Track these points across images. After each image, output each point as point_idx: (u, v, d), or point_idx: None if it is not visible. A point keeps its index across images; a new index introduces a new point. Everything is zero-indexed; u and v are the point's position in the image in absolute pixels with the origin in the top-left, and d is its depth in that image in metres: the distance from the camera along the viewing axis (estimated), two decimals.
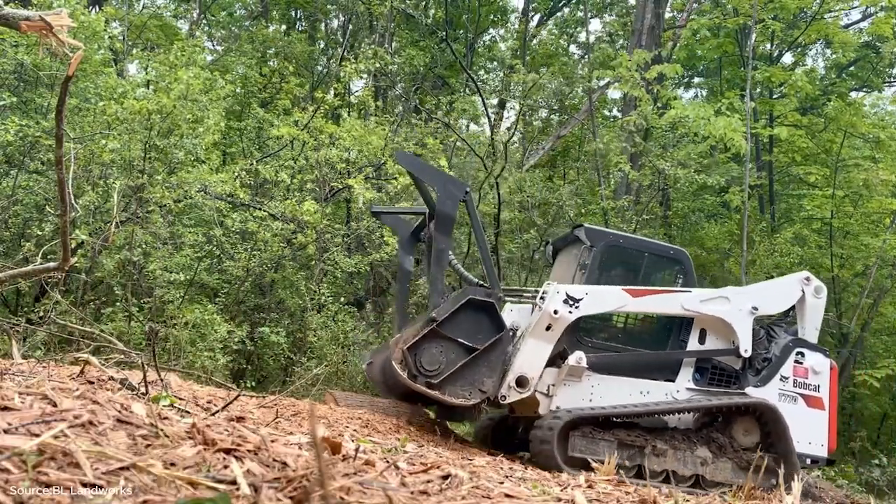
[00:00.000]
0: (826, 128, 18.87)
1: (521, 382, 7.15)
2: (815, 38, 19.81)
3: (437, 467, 2.73)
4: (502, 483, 3.12)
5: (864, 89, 22.42)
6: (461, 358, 7.08)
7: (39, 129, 10.59)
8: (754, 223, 18.11)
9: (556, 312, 7.16)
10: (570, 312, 7.20)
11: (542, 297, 7.34)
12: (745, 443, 7.48)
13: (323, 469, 1.57)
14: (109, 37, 13.76)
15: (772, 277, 17.36)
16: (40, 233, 9.77)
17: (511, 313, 8.08)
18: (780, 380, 7.70)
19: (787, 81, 18.03)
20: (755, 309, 7.71)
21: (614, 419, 7.21)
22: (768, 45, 21.21)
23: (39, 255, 6.90)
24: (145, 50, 17.14)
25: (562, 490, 3.46)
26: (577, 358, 7.20)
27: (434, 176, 7.90)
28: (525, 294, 8.03)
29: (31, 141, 10.71)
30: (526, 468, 5.44)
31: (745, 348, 7.61)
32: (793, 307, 8.16)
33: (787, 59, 22.32)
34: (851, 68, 22.21)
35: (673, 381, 7.61)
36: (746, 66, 17.01)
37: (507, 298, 7.96)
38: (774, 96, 20.05)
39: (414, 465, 2.84)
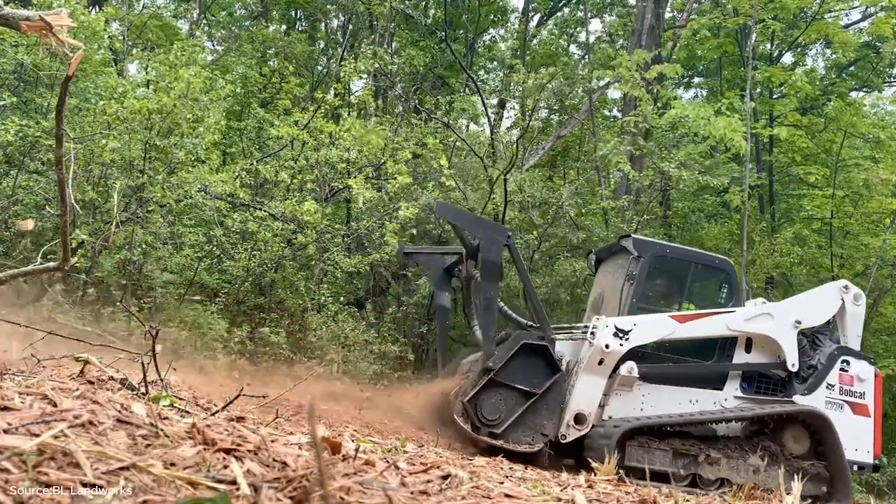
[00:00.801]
0: (826, 128, 18.87)
1: (580, 420, 7.24)
2: (815, 38, 19.81)
3: (437, 467, 2.73)
4: (502, 483, 3.11)
5: (864, 89, 22.41)
6: (520, 404, 7.17)
7: (39, 129, 10.58)
8: (754, 223, 18.10)
9: (607, 347, 7.26)
10: (620, 345, 7.31)
11: (591, 333, 7.40)
12: (796, 450, 7.57)
13: (323, 469, 1.57)
14: (109, 37, 13.75)
15: (772, 277, 17.42)
16: (40, 233, 9.77)
17: (557, 344, 8.12)
18: (827, 388, 7.81)
19: (787, 81, 18.02)
20: (798, 322, 7.84)
21: (667, 428, 7.30)
22: (768, 45, 21.20)
23: (39, 255, 6.89)
24: (145, 50, 17.13)
25: (562, 490, 3.46)
26: (629, 368, 7.31)
27: (476, 224, 8.13)
28: (575, 330, 8.08)
29: (31, 141, 10.70)
30: (526, 468, 5.44)
31: (793, 362, 7.73)
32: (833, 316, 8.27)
33: (787, 59, 22.32)
34: (851, 68, 22.20)
35: (721, 389, 7.73)
36: (746, 66, 17.01)
37: (557, 337, 7.98)
38: (774, 96, 20.04)
39: (414, 465, 2.84)
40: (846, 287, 8.21)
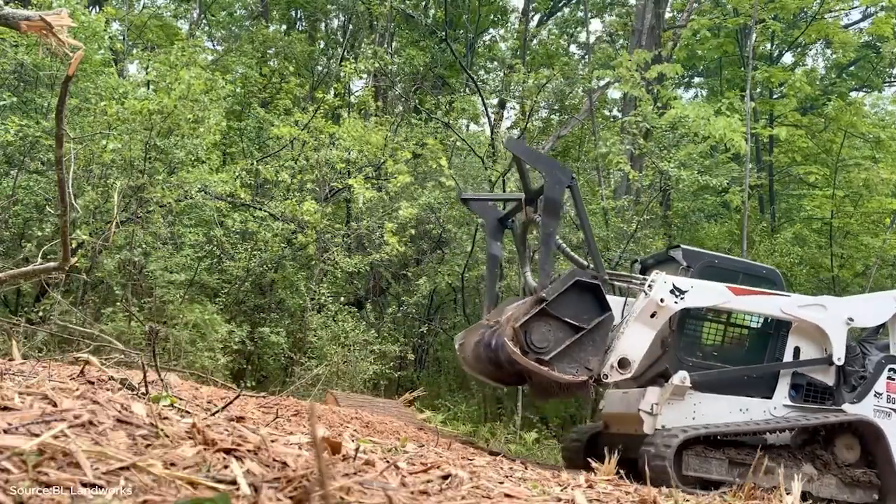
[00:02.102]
0: (826, 128, 18.87)
1: (623, 364, 7.33)
2: (815, 38, 19.81)
3: (437, 467, 2.73)
4: (502, 483, 3.11)
5: (864, 89, 22.42)
6: (568, 336, 7.27)
7: (39, 129, 10.58)
8: (754, 223, 18.11)
9: (662, 301, 7.37)
10: (675, 302, 7.42)
11: (649, 286, 7.52)
12: (848, 459, 7.60)
13: (323, 469, 1.57)
14: (109, 37, 13.75)
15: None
16: (40, 233, 9.77)
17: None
18: (875, 396, 7.84)
19: (787, 81, 18.02)
20: (851, 320, 7.87)
21: (720, 437, 7.34)
22: (768, 45, 21.21)
23: (39, 256, 6.89)
24: (145, 50, 17.14)
25: (562, 490, 3.46)
26: (682, 378, 7.36)
27: (543, 162, 8.21)
28: (633, 280, 8.13)
29: (31, 141, 10.71)
30: (526, 468, 5.44)
31: (839, 356, 7.76)
32: (884, 323, 8.31)
33: (787, 59, 22.33)
34: (851, 68, 22.21)
35: (770, 397, 7.77)
36: (746, 66, 17.01)
37: (614, 283, 8.12)
38: (774, 96, 20.04)
39: (414, 465, 2.84)
40: None
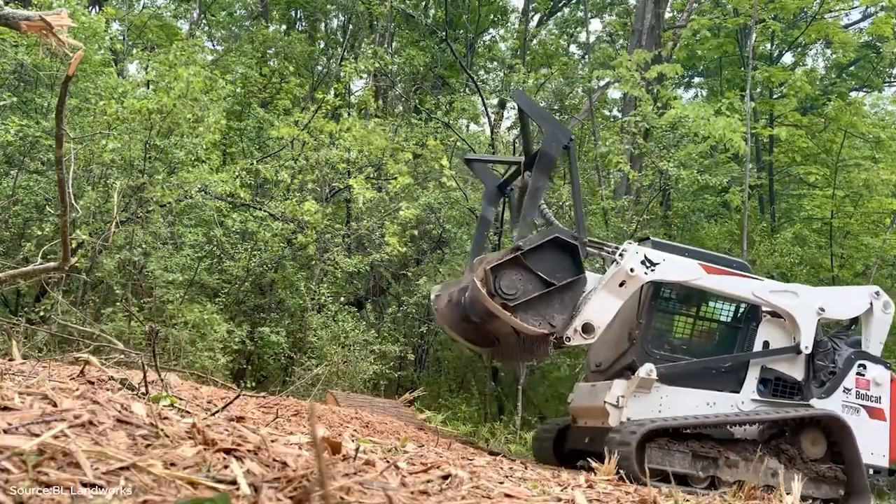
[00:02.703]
0: (826, 128, 18.86)
1: (587, 329, 7.29)
2: (815, 38, 19.80)
3: (437, 467, 2.73)
4: (502, 483, 3.11)
5: (864, 89, 22.41)
6: (538, 290, 7.26)
7: (39, 129, 10.58)
8: (754, 223, 18.11)
9: (632, 270, 7.33)
10: (645, 273, 7.39)
11: (620, 255, 7.48)
12: (814, 454, 7.58)
13: (323, 469, 1.57)
14: (109, 37, 13.75)
15: (772, 278, 17.39)
16: (40, 233, 9.76)
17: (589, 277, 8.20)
18: (844, 391, 7.83)
19: (787, 81, 18.02)
20: (822, 310, 7.84)
21: (685, 430, 7.31)
22: (768, 45, 21.20)
23: (39, 255, 6.90)
24: (145, 50, 17.14)
25: (562, 490, 3.46)
26: (648, 370, 7.33)
27: (544, 118, 8.25)
28: (606, 248, 8.12)
29: (31, 141, 10.71)
30: (526, 468, 5.44)
31: (807, 345, 7.73)
32: (856, 319, 8.26)
33: (787, 59, 22.32)
34: (851, 68, 22.20)
35: (738, 392, 7.72)
36: (746, 66, 17.01)
37: (589, 248, 8.07)
38: (774, 96, 20.04)
39: (414, 465, 2.84)
40: (877, 293, 8.22)
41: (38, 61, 11.20)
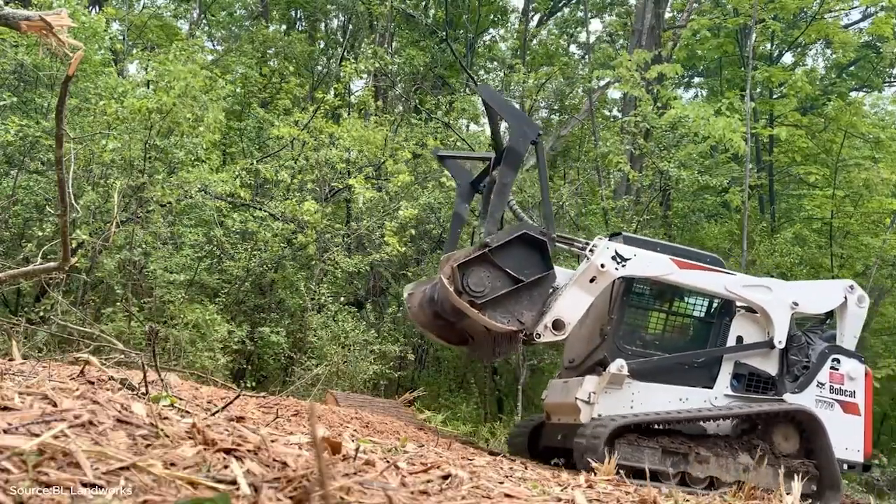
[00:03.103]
0: (826, 128, 18.85)
1: (558, 325, 7.23)
2: (815, 38, 19.80)
3: (437, 467, 2.73)
4: (502, 483, 3.11)
5: (864, 89, 22.40)
6: (506, 287, 7.20)
7: (39, 129, 10.58)
8: (754, 223, 18.10)
9: (602, 266, 7.26)
10: (616, 269, 7.32)
11: (591, 250, 7.43)
12: (786, 449, 7.54)
13: (323, 469, 1.57)
14: (109, 37, 13.75)
15: (772, 277, 17.38)
16: (41, 233, 9.76)
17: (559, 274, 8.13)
18: (817, 386, 7.77)
19: (787, 81, 18.01)
20: (795, 304, 7.78)
21: (656, 426, 7.26)
22: (768, 45, 21.19)
23: (39, 256, 6.90)
24: (145, 50, 17.14)
25: (562, 490, 3.46)
26: (619, 366, 7.28)
27: (511, 113, 8.10)
28: (577, 243, 8.06)
29: (31, 141, 10.71)
30: (526, 468, 5.44)
31: (780, 339, 7.66)
32: (831, 313, 8.20)
33: (787, 59, 22.32)
34: (851, 68, 22.20)
35: (711, 387, 7.67)
36: (746, 66, 17.00)
37: (557, 244, 8.00)
38: (774, 96, 20.03)
39: (414, 465, 2.84)
40: (852, 287, 8.16)
41: (38, 61, 11.20)
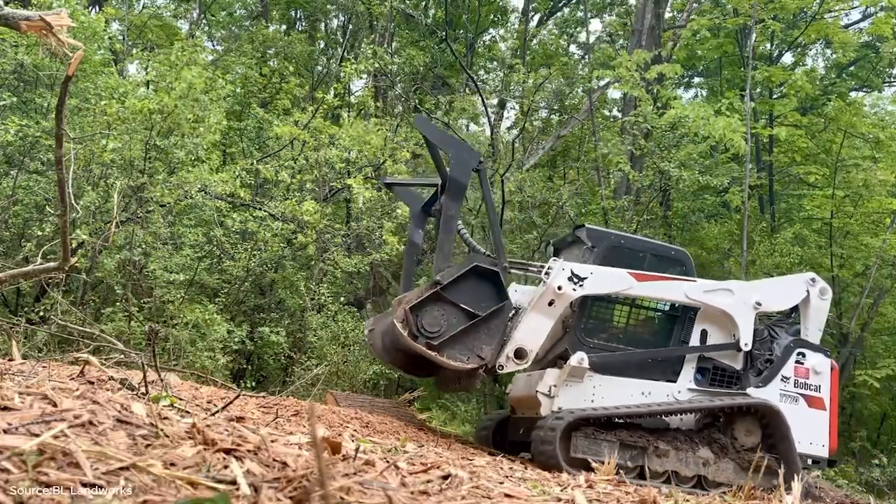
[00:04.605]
0: (826, 128, 18.85)
1: (520, 354, 7.20)
2: (815, 38, 19.80)
3: (437, 467, 2.73)
4: (502, 483, 3.11)
5: (864, 89, 22.40)
6: (462, 322, 7.14)
7: (39, 129, 10.58)
8: (754, 223, 18.10)
9: (560, 288, 7.21)
10: (573, 290, 7.26)
11: (546, 273, 7.36)
12: (747, 443, 7.48)
13: (323, 469, 1.57)
14: (109, 37, 13.75)
15: (772, 277, 17.39)
16: (40, 233, 9.76)
17: (515, 293, 8.07)
18: (782, 380, 7.72)
19: (787, 81, 18.01)
20: (758, 304, 7.73)
21: (616, 420, 7.21)
22: (768, 45, 21.20)
23: (39, 256, 6.89)
24: (145, 50, 17.14)
25: (562, 490, 3.46)
26: (579, 359, 7.21)
27: (449, 143, 8.00)
28: (530, 268, 8.01)
29: (31, 141, 10.70)
30: (526, 468, 5.44)
31: (746, 342, 7.63)
32: (796, 307, 8.16)
33: (787, 59, 22.32)
34: (851, 68, 22.20)
35: (674, 381, 7.62)
36: (746, 66, 17.01)
37: (512, 270, 7.93)
38: (774, 96, 20.03)
39: (414, 465, 2.84)
40: (813, 280, 8.09)
41: (38, 61, 11.19)
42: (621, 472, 6.74)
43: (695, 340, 7.75)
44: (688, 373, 7.67)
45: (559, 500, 2.86)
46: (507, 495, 2.52)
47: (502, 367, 7.19)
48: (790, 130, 17.65)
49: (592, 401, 7.31)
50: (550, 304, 7.25)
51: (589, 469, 6.13)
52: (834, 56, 21.61)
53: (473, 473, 3.12)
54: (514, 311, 7.61)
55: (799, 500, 3.93)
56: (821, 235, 18.16)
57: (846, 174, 17.92)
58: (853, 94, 21.77)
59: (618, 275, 7.43)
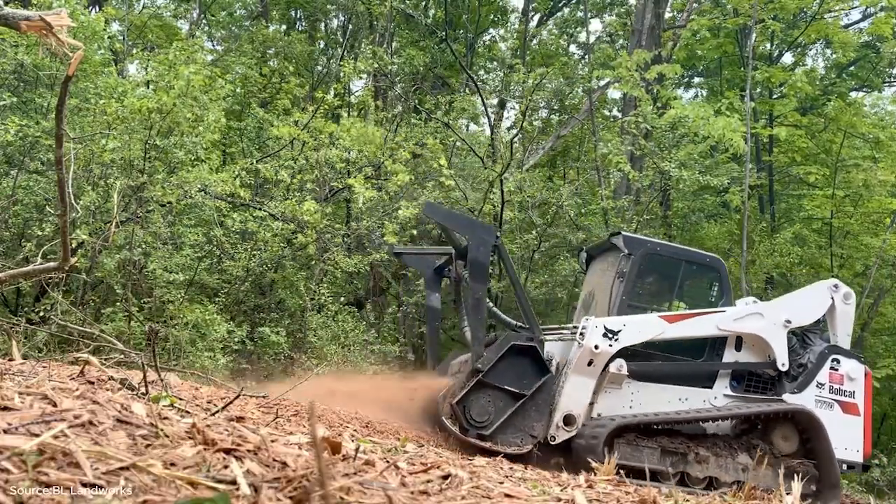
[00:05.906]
0: (826, 128, 18.86)
1: (569, 421, 7.22)
2: (815, 38, 19.80)
3: (437, 467, 2.73)
4: (502, 483, 3.11)
5: (864, 89, 22.40)
6: (509, 405, 7.14)
7: (39, 129, 10.57)
8: (754, 223, 18.10)
9: (596, 347, 7.23)
10: (610, 346, 7.27)
11: (581, 334, 7.36)
12: (785, 449, 7.55)
13: (323, 469, 1.57)
14: (109, 37, 13.74)
15: (772, 277, 17.42)
16: (40, 233, 9.76)
17: (546, 345, 8.08)
18: (817, 386, 7.79)
19: (787, 81, 18.01)
20: (788, 322, 7.81)
21: (656, 426, 7.26)
22: (768, 45, 21.19)
23: (39, 256, 6.89)
24: (145, 50, 17.13)
25: (562, 490, 3.45)
26: (618, 365, 7.28)
27: (464, 224, 8.06)
28: (564, 331, 8.04)
29: (31, 141, 10.70)
30: (526, 468, 5.44)
31: (783, 362, 7.71)
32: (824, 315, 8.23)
33: (787, 59, 22.32)
34: (851, 68, 22.20)
35: (710, 387, 7.70)
36: (746, 66, 17.00)
37: (546, 338, 7.94)
38: (774, 96, 20.03)
39: (414, 465, 2.84)
40: (836, 286, 8.18)
41: (38, 61, 11.19)
42: (660, 478, 6.83)
43: (730, 348, 7.82)
44: (724, 379, 7.75)
45: (559, 500, 2.86)
46: (507, 495, 2.51)
47: (554, 438, 7.22)
48: (790, 130, 17.65)
49: (631, 407, 7.39)
50: (590, 364, 7.28)
51: (638, 476, 6.19)
52: (834, 56, 21.61)
53: (473, 473, 3.12)
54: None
55: (799, 500, 3.92)
56: (821, 235, 18.17)
57: (846, 174, 17.92)
58: (853, 94, 21.77)
59: (650, 321, 7.50)
